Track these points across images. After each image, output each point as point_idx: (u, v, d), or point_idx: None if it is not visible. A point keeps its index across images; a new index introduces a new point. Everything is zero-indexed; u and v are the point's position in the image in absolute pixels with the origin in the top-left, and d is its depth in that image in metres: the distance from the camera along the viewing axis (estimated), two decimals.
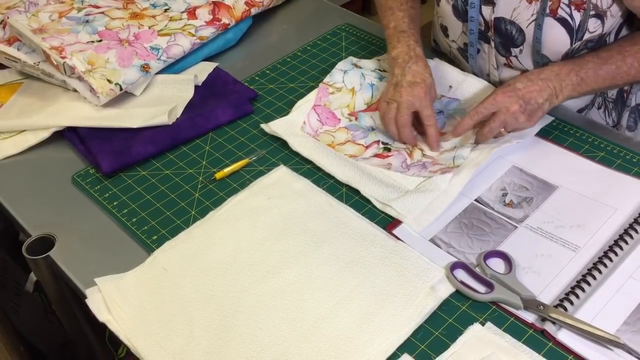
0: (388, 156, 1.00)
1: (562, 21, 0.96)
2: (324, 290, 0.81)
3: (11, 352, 1.17)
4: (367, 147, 1.02)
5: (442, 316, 0.78)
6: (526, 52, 1.02)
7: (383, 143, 1.03)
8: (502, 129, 0.97)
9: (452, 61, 1.16)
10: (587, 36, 0.96)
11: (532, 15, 0.97)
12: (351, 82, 1.11)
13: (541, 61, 1.01)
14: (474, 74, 1.12)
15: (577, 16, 0.95)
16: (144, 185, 0.99)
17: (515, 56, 1.04)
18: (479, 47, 1.08)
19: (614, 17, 0.96)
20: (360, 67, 1.12)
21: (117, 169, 1.01)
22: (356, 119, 1.07)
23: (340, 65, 1.13)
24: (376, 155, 1.00)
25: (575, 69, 0.95)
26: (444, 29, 1.13)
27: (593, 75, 0.95)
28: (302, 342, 0.76)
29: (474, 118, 0.96)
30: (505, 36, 1.02)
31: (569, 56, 0.99)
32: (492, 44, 1.05)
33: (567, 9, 0.95)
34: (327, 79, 1.11)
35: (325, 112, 1.07)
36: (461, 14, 1.05)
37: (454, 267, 0.82)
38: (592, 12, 0.94)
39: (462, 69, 1.12)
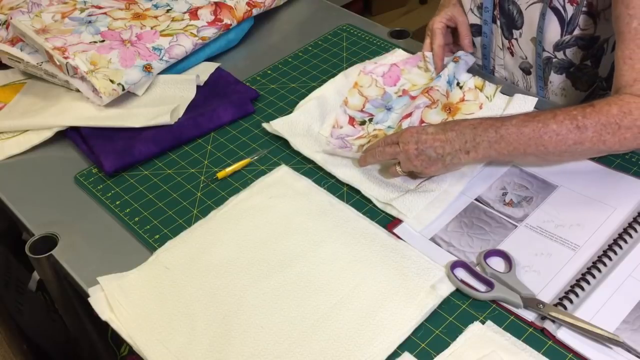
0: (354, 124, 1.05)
1: (555, 10, 0.97)
2: (325, 289, 0.81)
3: (14, 350, 1.17)
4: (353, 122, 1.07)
5: (442, 315, 0.78)
6: (525, 37, 1.04)
7: (369, 121, 1.06)
8: (398, 168, 0.92)
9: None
10: (577, 32, 0.97)
11: None
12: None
13: (541, 51, 1.02)
14: (483, 55, 1.14)
15: (570, 9, 0.96)
16: (146, 184, 1.00)
17: (516, 39, 1.06)
18: None
19: (607, 20, 0.96)
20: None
21: (120, 168, 1.01)
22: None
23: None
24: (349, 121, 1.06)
25: (497, 124, 0.86)
26: (460, 4, 1.15)
27: (515, 132, 0.84)
28: (304, 341, 0.76)
29: (379, 142, 0.94)
30: (507, 16, 1.04)
31: (559, 48, 1.00)
32: (498, 23, 1.07)
33: (561, 0, 0.96)
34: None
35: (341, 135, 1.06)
36: None
37: (454, 265, 0.82)
38: (585, 9, 0.95)
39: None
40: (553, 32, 0.99)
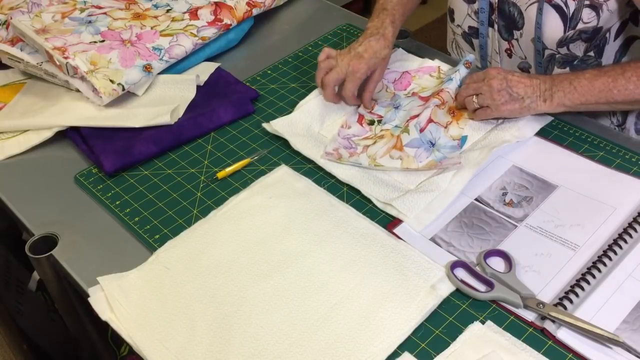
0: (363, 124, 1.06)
1: (557, 8, 0.98)
2: (325, 289, 0.81)
3: (14, 350, 1.17)
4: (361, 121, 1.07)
5: (442, 315, 0.78)
6: (526, 37, 1.04)
7: (378, 122, 1.06)
8: (474, 98, 0.98)
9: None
10: (580, 26, 0.98)
11: None
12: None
13: (541, 48, 1.02)
14: (481, 56, 1.14)
15: (572, 4, 0.97)
16: (146, 184, 1.00)
17: (517, 39, 1.06)
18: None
19: (610, 11, 0.97)
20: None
21: (120, 168, 1.01)
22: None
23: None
24: (359, 119, 1.07)
25: (570, 77, 0.95)
26: (451, 12, 1.15)
27: (587, 85, 0.93)
28: (304, 341, 0.76)
29: (467, 80, 1.02)
30: (508, 18, 1.05)
31: (563, 44, 1.01)
32: (496, 27, 1.07)
33: None
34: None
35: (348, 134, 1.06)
36: None
37: (454, 265, 0.82)
38: (587, 2, 0.96)
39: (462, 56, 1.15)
40: (555, 29, 0.99)
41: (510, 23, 1.05)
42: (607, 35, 1.01)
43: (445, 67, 1.14)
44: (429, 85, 1.11)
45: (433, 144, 0.99)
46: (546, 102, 0.95)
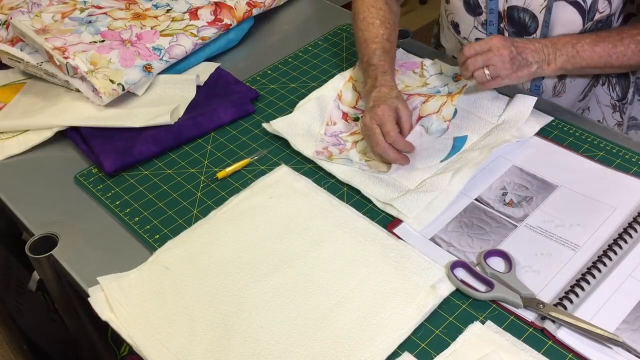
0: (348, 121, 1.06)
1: (574, 4, 0.99)
2: (325, 289, 0.81)
3: (14, 350, 1.17)
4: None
5: (442, 315, 0.78)
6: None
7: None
8: (486, 70, 0.96)
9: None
10: (597, 16, 1.00)
11: (545, 0, 1.00)
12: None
13: None
14: None
15: None
16: (146, 184, 1.00)
17: None
18: None
19: None
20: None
21: (120, 168, 1.01)
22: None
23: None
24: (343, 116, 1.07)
25: (572, 41, 0.98)
26: (455, 26, 1.14)
27: (589, 50, 0.97)
28: (304, 341, 0.76)
29: (467, 52, 0.97)
30: (518, 24, 1.05)
31: None
32: (506, 34, 1.07)
33: None
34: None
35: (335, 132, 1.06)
36: (472, 7, 1.08)
37: (454, 265, 0.82)
38: None
39: None
40: (574, 24, 1.01)
41: (521, 29, 1.05)
42: (612, 18, 1.04)
43: (427, 62, 1.14)
44: (413, 84, 1.11)
45: (426, 131, 1.01)
46: (550, 65, 0.97)
